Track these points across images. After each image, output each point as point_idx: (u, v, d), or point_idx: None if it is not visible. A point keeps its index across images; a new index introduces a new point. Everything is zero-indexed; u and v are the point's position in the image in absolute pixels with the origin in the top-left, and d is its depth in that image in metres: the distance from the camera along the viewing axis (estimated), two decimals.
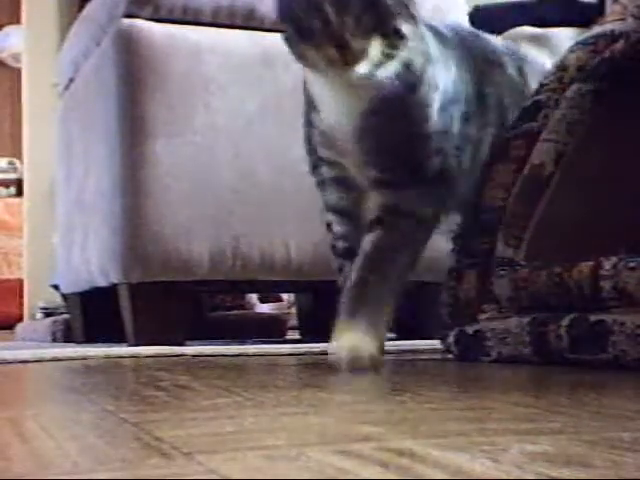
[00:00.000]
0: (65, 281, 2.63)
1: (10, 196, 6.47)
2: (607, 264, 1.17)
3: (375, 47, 1.15)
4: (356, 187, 1.33)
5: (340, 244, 1.39)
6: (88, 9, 2.36)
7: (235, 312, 3.24)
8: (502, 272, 1.36)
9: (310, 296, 2.67)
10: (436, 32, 1.36)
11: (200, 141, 2.04)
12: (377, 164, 1.28)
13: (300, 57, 1.19)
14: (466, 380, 1.13)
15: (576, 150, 1.41)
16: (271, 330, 3.09)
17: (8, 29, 6.74)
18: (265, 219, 2.07)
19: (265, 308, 3.74)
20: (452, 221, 1.47)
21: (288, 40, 1.20)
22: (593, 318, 1.17)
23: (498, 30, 2.17)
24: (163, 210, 2.00)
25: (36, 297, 3.94)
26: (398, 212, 1.28)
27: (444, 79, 1.30)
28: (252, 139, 2.08)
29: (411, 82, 1.24)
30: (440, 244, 1.46)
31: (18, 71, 4.80)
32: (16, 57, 6.17)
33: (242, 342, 2.27)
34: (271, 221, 2.07)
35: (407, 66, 1.23)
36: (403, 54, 1.19)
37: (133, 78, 2.03)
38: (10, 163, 6.65)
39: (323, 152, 1.33)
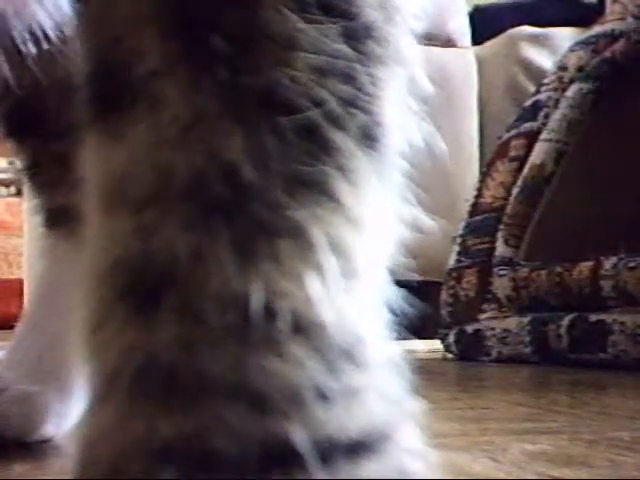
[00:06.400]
0: None
1: (10, 196, 6.46)
2: (607, 264, 1.17)
3: None
4: None
5: None
6: None
7: None
8: (502, 272, 1.36)
9: None
10: None
11: None
12: None
13: None
14: (466, 380, 1.13)
15: (576, 150, 1.41)
16: None
17: None
18: None
19: None
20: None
21: None
22: (593, 318, 1.17)
23: (498, 30, 2.16)
24: None
25: None
26: None
27: None
28: None
29: None
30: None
31: None
32: None
33: None
34: None
35: None
36: None
37: None
38: (10, 163, 6.66)
39: None
